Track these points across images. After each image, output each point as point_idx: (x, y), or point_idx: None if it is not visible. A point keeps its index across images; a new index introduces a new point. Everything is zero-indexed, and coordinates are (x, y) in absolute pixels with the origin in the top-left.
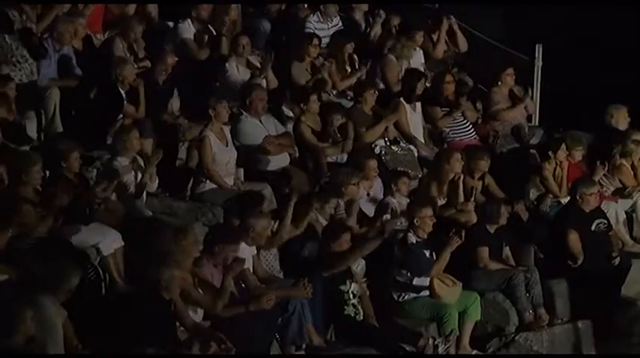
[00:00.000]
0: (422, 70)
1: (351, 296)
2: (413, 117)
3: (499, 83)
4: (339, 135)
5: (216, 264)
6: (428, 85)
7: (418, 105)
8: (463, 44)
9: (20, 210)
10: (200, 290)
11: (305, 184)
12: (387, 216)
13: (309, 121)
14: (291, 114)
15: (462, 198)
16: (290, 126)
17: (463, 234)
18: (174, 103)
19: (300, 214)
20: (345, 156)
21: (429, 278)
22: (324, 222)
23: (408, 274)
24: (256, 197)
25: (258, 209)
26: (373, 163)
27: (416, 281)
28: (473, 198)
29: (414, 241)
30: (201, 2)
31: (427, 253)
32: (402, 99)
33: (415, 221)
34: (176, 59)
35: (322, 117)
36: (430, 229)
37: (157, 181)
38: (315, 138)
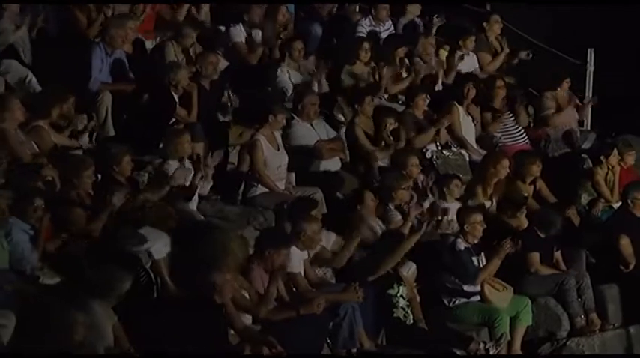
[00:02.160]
0: (475, 74)
1: (401, 299)
2: (465, 122)
3: (557, 89)
4: (391, 139)
5: (266, 269)
6: (479, 89)
7: (470, 109)
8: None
9: (71, 214)
10: (248, 295)
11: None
12: (443, 219)
13: (363, 124)
14: (342, 118)
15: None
16: (341, 131)
17: (514, 243)
18: (225, 107)
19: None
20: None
21: (478, 284)
22: (379, 230)
23: (457, 280)
24: (309, 201)
25: (310, 213)
26: (414, 160)
27: (466, 287)
28: (524, 203)
29: (463, 248)
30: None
31: (475, 260)
32: (455, 102)
33: (465, 227)
34: (226, 63)
35: (375, 120)
36: (480, 235)
37: (212, 183)
38: (368, 141)
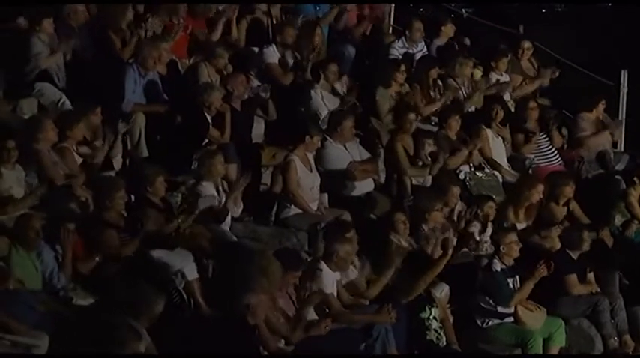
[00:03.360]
0: (508, 96)
1: (434, 321)
2: (495, 143)
3: (592, 111)
4: (429, 159)
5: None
6: (512, 110)
7: (502, 130)
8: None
9: (104, 235)
10: (280, 317)
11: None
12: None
13: (404, 141)
14: (375, 140)
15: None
16: (378, 152)
17: (548, 266)
18: (258, 128)
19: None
20: (430, 179)
21: (512, 306)
22: (407, 246)
23: (491, 301)
24: (343, 223)
25: (343, 234)
26: (456, 190)
27: (499, 308)
28: (558, 224)
29: (499, 269)
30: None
31: (510, 282)
32: (483, 125)
33: (501, 248)
34: (257, 84)
35: (414, 141)
36: (516, 255)
37: (242, 206)
38: (407, 159)
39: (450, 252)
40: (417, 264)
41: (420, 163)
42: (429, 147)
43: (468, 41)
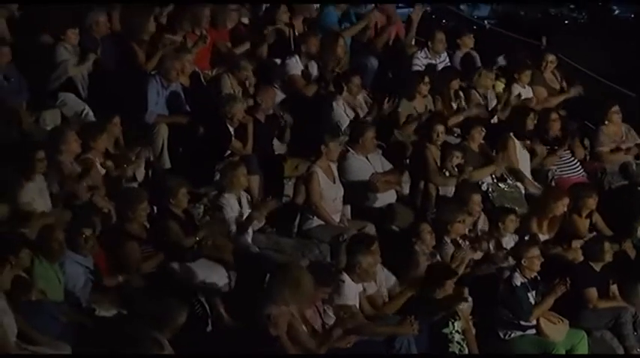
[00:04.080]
0: (531, 106)
1: (456, 334)
2: (521, 154)
3: (606, 122)
4: (456, 171)
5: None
6: (535, 122)
7: (526, 142)
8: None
9: (127, 247)
10: (305, 328)
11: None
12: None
13: (433, 152)
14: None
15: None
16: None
17: (568, 282)
18: (281, 139)
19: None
20: (452, 191)
21: (533, 320)
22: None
23: (511, 315)
24: (367, 235)
25: (366, 246)
26: (477, 198)
27: (522, 320)
28: (580, 236)
29: (519, 283)
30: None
31: (531, 296)
32: (511, 134)
33: (523, 261)
34: (282, 95)
35: (441, 153)
36: (537, 269)
37: (263, 220)
38: (437, 169)
39: (462, 269)
40: (440, 276)
41: (447, 174)
42: (457, 159)
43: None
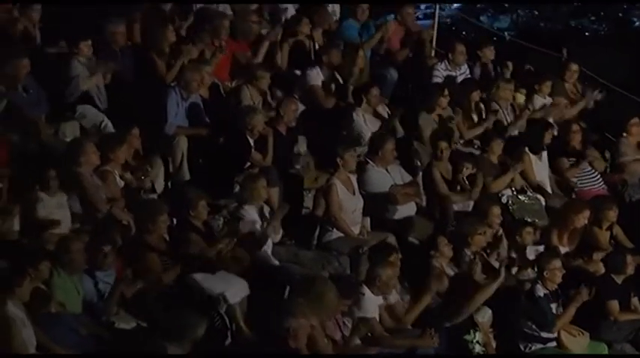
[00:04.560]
0: (549, 119)
1: (477, 345)
2: (538, 167)
3: (624, 134)
4: (467, 184)
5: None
6: (555, 134)
7: (544, 154)
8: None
9: (146, 259)
10: (324, 341)
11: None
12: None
13: (441, 168)
14: (418, 163)
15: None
16: (418, 176)
17: (591, 291)
18: (301, 151)
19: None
20: (471, 204)
21: (556, 331)
22: (451, 272)
23: (534, 326)
24: (387, 247)
25: (386, 258)
26: (497, 210)
27: (543, 333)
28: (601, 249)
29: (542, 294)
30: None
31: (554, 307)
32: (526, 148)
33: (545, 273)
34: (303, 107)
35: (452, 165)
36: (559, 281)
37: (282, 232)
38: (445, 185)
39: (501, 278)
40: (461, 289)
41: (459, 187)
42: (467, 170)
43: (509, 64)
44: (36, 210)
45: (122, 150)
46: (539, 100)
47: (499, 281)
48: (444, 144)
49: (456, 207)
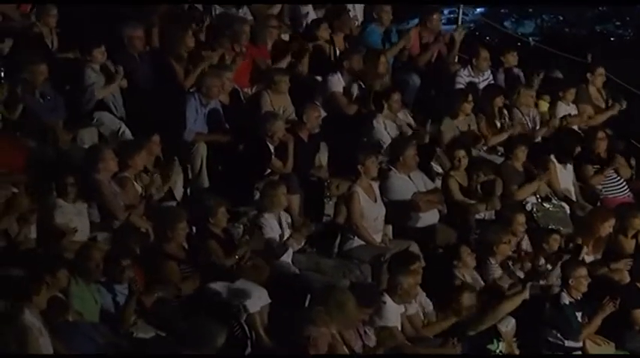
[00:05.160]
0: (573, 126)
1: (500, 355)
2: (563, 174)
3: None
4: (480, 192)
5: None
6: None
7: (569, 161)
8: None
9: (165, 268)
10: (345, 350)
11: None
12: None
13: (458, 177)
14: (440, 170)
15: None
16: (439, 183)
17: (617, 302)
18: (322, 158)
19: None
20: (493, 213)
21: (581, 341)
22: (473, 281)
23: (559, 335)
24: (409, 255)
25: (408, 266)
26: (521, 218)
27: (567, 342)
28: (626, 257)
29: (567, 302)
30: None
31: (579, 315)
32: (552, 157)
33: (570, 281)
34: (324, 113)
35: (468, 173)
36: (585, 289)
37: (302, 242)
38: (461, 194)
39: (527, 292)
40: (484, 298)
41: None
42: (480, 178)
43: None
44: (54, 217)
45: (140, 156)
46: (563, 108)
47: (525, 295)
48: (461, 153)
49: (478, 216)
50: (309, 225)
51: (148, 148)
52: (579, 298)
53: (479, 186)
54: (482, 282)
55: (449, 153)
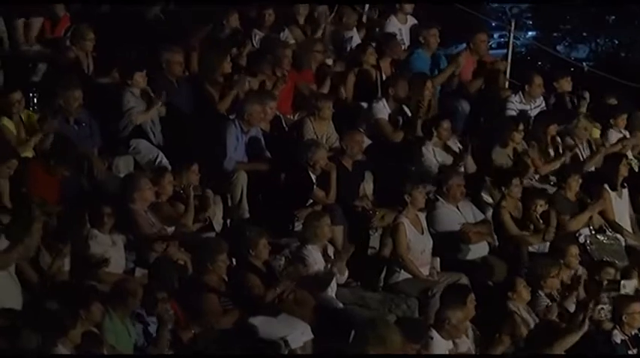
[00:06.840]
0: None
1: None
2: (618, 205)
3: None
4: (541, 222)
5: None
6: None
7: (624, 191)
8: None
9: (205, 301)
10: None
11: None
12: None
13: (510, 207)
14: (490, 200)
15: None
16: (489, 213)
17: None
18: (367, 188)
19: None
20: (547, 245)
21: None
22: (531, 321)
23: None
24: (459, 288)
25: (457, 300)
26: (575, 250)
27: None
28: None
29: (619, 340)
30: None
31: (634, 352)
32: (605, 186)
33: (623, 317)
34: (368, 141)
35: (524, 203)
36: (639, 325)
37: (347, 273)
38: (515, 225)
39: (585, 327)
40: (537, 333)
41: (532, 226)
42: (541, 208)
43: (587, 95)
44: (89, 247)
45: (170, 181)
46: (615, 134)
47: (583, 330)
48: (515, 181)
49: (532, 248)
50: (348, 247)
51: (186, 177)
52: (633, 334)
53: (538, 217)
54: (535, 317)
55: (499, 183)
